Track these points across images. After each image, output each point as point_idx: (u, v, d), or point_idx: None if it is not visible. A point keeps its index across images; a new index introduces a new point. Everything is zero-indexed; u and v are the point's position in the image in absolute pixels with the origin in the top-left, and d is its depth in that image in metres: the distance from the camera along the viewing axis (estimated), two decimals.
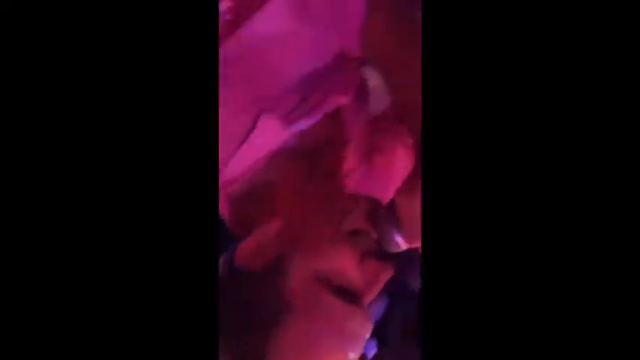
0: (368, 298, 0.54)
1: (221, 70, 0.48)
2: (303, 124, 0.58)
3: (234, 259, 0.52)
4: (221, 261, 0.52)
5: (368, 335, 0.52)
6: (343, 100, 0.60)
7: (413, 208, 0.53)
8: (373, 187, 0.63)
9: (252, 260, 0.52)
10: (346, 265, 0.53)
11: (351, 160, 0.61)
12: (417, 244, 0.57)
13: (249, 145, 0.54)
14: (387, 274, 0.55)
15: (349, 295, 0.52)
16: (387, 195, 0.65)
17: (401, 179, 0.66)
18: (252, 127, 0.53)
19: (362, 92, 0.63)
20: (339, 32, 0.57)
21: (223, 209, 0.57)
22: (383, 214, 0.56)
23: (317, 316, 0.50)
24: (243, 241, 0.53)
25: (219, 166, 0.53)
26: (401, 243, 0.57)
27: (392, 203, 0.55)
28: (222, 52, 0.50)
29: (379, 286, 0.54)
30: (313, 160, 0.59)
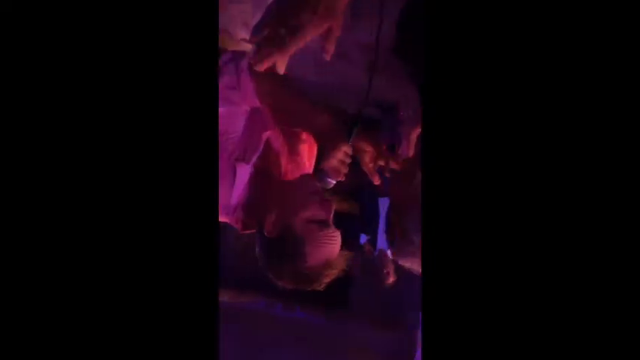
0: (329, 220, 1.09)
1: None
2: (255, 156, 1.07)
3: (265, 233, 1.05)
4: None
5: (339, 237, 1.07)
6: (269, 133, 1.09)
7: (332, 165, 1.04)
8: (299, 172, 1.16)
9: (275, 230, 1.05)
10: (315, 211, 1.06)
11: (283, 164, 1.13)
12: (340, 178, 1.08)
13: (237, 184, 1.03)
14: (332, 206, 1.09)
15: (321, 222, 1.06)
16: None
17: (311, 162, 1.20)
18: (234, 174, 1.02)
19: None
20: (251, 103, 1.04)
21: (235, 223, 1.08)
22: (319, 176, 1.07)
23: (313, 238, 1.03)
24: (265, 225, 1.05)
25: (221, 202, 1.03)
26: (331, 182, 1.07)
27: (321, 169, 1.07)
28: None
29: (332, 213, 1.08)
30: (267, 172, 1.10)
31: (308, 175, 1.13)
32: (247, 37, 0.82)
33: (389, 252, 2.83)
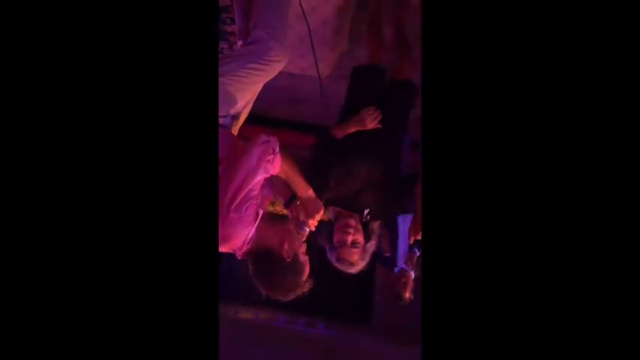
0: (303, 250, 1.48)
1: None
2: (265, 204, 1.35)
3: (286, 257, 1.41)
4: None
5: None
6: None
7: (313, 222, 1.51)
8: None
9: (289, 256, 1.41)
10: (303, 247, 1.45)
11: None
12: (313, 229, 1.51)
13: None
14: (305, 246, 1.46)
15: (306, 254, 1.46)
16: None
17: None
18: (257, 218, 1.34)
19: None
20: (275, 173, 1.38)
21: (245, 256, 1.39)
22: (301, 226, 1.54)
23: (306, 262, 1.43)
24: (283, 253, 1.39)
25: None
26: (307, 230, 1.52)
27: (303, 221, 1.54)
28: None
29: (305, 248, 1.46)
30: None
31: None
32: None
33: (411, 272, 3.01)
